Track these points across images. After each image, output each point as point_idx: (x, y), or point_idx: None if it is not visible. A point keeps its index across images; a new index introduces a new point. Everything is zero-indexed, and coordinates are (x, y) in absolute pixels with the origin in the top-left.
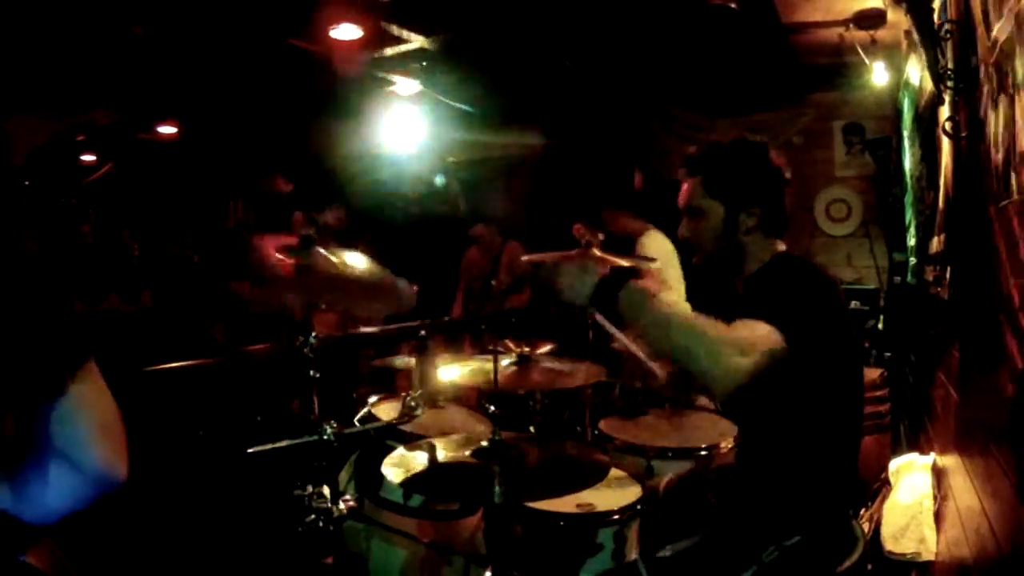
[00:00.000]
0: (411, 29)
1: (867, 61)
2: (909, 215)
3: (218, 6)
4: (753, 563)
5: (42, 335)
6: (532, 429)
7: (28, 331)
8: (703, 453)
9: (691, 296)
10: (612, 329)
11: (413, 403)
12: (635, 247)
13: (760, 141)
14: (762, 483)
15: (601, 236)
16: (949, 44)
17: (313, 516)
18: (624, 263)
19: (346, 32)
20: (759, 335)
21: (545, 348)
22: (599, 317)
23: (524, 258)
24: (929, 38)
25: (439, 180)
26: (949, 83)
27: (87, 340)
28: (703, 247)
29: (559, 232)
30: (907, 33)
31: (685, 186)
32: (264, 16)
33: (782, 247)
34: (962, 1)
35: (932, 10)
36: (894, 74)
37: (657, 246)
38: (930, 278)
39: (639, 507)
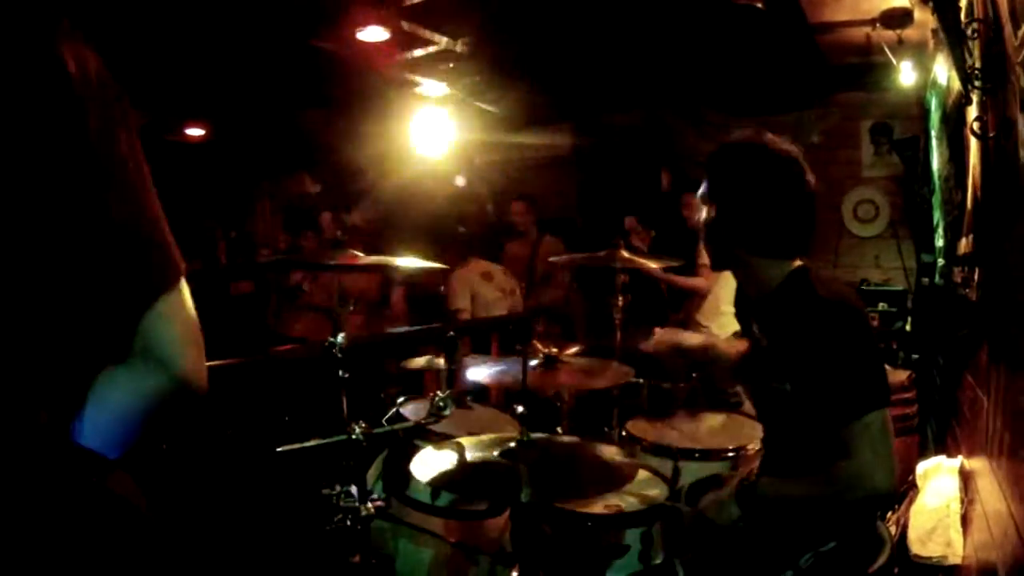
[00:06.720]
0: (437, 31)
1: (894, 61)
2: (937, 216)
3: (245, 7)
4: (789, 568)
5: (138, 242)
6: (559, 430)
7: (128, 237)
8: (730, 455)
9: None
10: None
11: (441, 403)
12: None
13: (763, 143)
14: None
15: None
16: (976, 43)
17: (341, 515)
18: (652, 264)
19: (373, 34)
20: (864, 460)
21: (573, 349)
22: None
23: (552, 259)
24: (956, 37)
25: (462, 181)
26: (976, 82)
27: (178, 256)
28: (708, 251)
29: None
30: (934, 32)
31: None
32: (291, 17)
33: (796, 263)
34: None
35: (959, 9)
36: (921, 73)
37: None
38: (958, 279)
39: (666, 508)
